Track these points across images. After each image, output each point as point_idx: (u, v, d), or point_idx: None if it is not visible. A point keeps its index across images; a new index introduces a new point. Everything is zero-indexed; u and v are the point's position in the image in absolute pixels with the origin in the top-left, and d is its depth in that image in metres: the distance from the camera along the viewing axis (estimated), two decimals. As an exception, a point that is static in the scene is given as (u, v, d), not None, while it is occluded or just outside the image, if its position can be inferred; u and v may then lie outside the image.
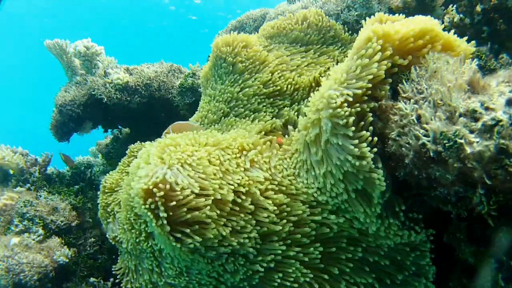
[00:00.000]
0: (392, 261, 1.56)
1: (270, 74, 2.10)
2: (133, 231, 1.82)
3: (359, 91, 1.32)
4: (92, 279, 2.61)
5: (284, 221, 1.58)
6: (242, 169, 1.67)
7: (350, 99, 1.32)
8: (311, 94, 1.58)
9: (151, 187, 1.47)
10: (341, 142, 1.35)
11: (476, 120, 1.06)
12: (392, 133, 1.27)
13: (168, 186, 1.48)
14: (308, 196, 1.59)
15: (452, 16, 2.17)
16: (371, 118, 1.35)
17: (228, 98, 2.13)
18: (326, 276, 1.57)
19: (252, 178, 1.63)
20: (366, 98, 1.35)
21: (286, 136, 1.93)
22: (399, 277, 1.55)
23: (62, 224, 2.76)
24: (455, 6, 2.20)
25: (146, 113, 3.34)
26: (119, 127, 3.68)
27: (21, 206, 2.75)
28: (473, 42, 1.40)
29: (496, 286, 1.27)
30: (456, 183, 1.12)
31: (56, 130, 3.36)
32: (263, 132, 1.96)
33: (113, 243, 2.18)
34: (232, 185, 1.59)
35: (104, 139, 4.11)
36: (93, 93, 3.23)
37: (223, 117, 2.14)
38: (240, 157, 1.73)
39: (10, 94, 23.23)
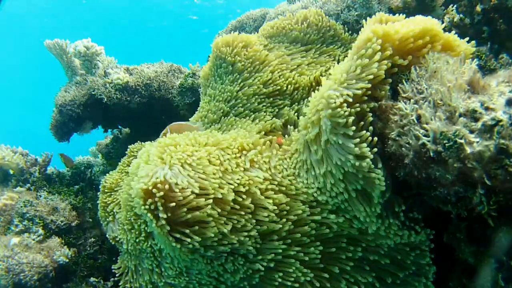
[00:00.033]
0: (392, 260, 1.56)
1: (271, 74, 2.09)
2: (133, 231, 1.82)
3: (359, 92, 1.32)
4: (92, 279, 2.61)
5: (284, 219, 1.58)
6: (242, 169, 1.67)
7: (350, 99, 1.32)
8: (311, 93, 1.58)
9: (150, 187, 1.47)
10: (341, 141, 1.35)
11: (476, 120, 1.06)
12: (392, 133, 1.27)
13: (167, 187, 1.48)
14: (308, 196, 1.59)
15: (452, 16, 2.17)
16: (371, 118, 1.35)
17: (228, 97, 2.13)
18: (326, 275, 1.57)
19: (252, 178, 1.63)
20: (366, 98, 1.35)
21: (286, 136, 1.93)
22: (399, 276, 1.55)
23: (62, 224, 2.75)
24: (455, 6, 2.20)
25: (146, 113, 3.34)
26: (119, 127, 3.67)
27: (21, 206, 2.75)
28: (473, 42, 1.40)
29: (496, 286, 1.27)
30: (456, 183, 1.12)
31: (56, 130, 3.35)
32: (263, 132, 1.96)
33: (113, 243, 2.18)
34: (232, 184, 1.59)
35: (104, 139, 4.11)
36: (93, 93, 3.23)
37: (223, 117, 2.14)
38: (240, 157, 1.73)
39: (10, 94, 23.21)
